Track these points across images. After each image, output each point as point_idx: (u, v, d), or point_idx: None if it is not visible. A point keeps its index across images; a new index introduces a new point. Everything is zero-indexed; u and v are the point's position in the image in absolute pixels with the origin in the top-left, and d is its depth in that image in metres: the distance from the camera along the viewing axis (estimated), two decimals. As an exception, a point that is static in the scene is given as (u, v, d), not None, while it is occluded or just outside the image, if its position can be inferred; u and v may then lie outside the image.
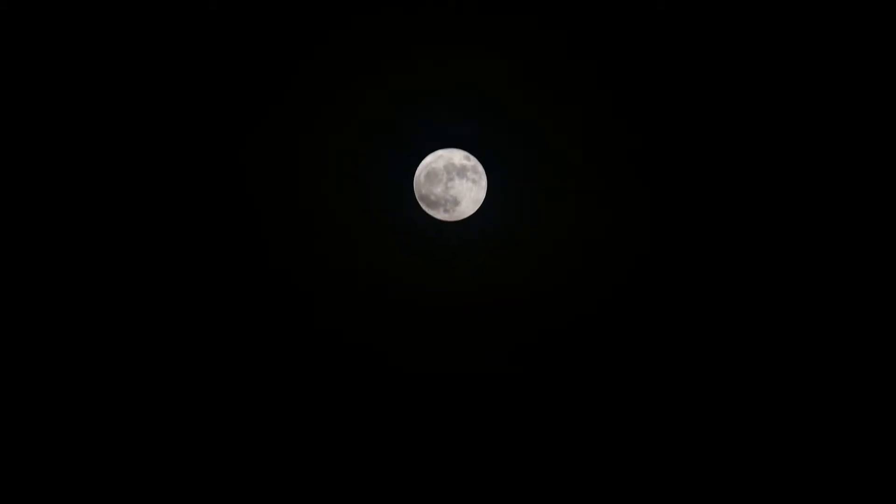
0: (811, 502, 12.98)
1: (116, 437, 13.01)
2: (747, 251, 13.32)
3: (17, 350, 13.02)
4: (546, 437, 13.29)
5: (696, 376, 13.27)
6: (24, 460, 12.86)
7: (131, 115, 13.30)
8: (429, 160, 13.41)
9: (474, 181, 13.39)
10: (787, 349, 13.23)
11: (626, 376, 13.30)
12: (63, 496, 12.86)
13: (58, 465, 12.91)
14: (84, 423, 13.01)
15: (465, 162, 13.41)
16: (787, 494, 13.06)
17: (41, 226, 13.20)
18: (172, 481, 12.97)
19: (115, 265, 13.21)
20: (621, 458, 13.23)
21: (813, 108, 13.34)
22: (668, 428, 13.23)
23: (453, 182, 13.37)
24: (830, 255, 13.27)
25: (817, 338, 13.21)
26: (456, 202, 13.40)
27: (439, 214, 13.43)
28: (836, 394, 13.15)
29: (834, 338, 13.20)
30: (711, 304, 13.31)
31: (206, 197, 13.36)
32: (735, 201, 13.36)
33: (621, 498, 13.16)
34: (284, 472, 13.11)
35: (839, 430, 13.13)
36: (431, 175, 13.40)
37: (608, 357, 13.32)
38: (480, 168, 13.39)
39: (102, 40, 13.29)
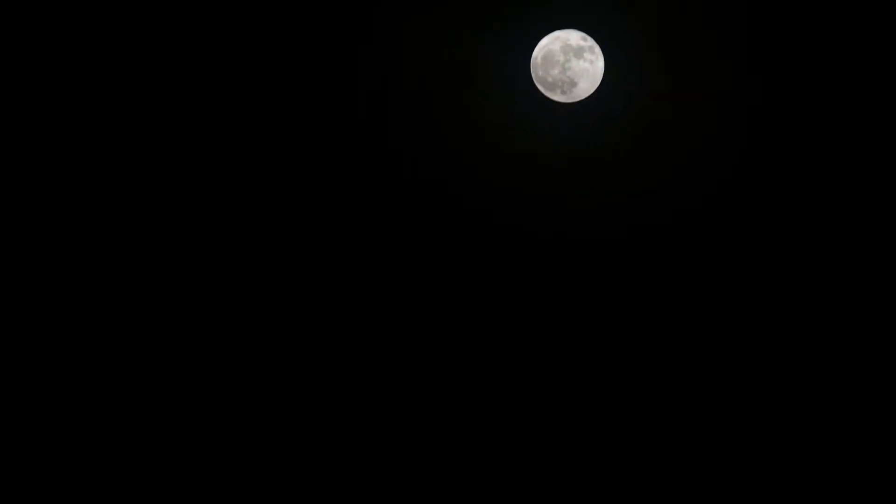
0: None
1: (116, 436, 12.98)
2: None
3: (18, 345, 12.98)
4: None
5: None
6: (24, 460, 12.83)
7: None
8: (545, 42, 13.33)
9: (591, 62, 13.32)
10: None
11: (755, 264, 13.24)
12: (63, 496, 12.83)
13: (58, 464, 12.88)
14: (84, 422, 12.99)
15: (581, 43, 13.32)
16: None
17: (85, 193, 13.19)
18: (172, 481, 12.97)
19: (115, 263, 13.17)
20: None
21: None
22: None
23: (570, 63, 13.30)
24: None
25: None
26: (573, 84, 13.34)
27: (556, 96, 13.38)
28: None
29: None
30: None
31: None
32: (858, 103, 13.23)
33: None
34: (284, 472, 13.10)
35: None
36: (548, 57, 13.33)
37: (733, 240, 13.26)
38: (598, 49, 13.30)
39: None
